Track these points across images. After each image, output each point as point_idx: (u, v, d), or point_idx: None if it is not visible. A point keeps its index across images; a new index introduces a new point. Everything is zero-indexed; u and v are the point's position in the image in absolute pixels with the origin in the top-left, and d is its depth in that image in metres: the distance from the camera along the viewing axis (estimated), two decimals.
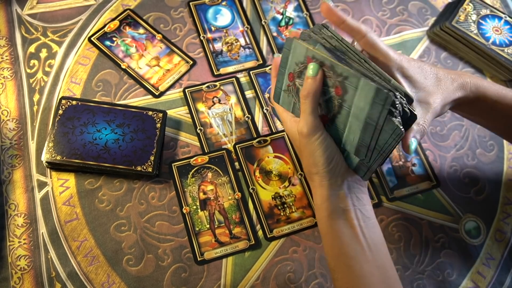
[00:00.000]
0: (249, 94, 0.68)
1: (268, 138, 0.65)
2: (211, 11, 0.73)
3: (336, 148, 0.49)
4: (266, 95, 0.68)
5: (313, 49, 0.46)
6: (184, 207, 0.60)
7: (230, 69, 0.69)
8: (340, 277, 0.47)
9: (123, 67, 0.66)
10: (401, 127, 0.42)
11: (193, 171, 0.62)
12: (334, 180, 0.49)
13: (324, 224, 0.49)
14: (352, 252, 0.47)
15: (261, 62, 0.70)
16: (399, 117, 0.43)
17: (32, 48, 0.66)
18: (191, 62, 0.68)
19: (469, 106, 0.53)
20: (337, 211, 0.48)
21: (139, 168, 0.58)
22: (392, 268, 0.48)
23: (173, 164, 0.62)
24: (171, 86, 0.67)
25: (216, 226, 0.59)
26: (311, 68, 0.46)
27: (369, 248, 0.47)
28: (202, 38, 0.70)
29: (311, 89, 0.46)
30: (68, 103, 0.61)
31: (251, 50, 0.71)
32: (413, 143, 0.46)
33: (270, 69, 0.69)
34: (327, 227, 0.49)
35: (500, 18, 0.73)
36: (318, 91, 0.47)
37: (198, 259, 0.57)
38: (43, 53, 0.66)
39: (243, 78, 0.69)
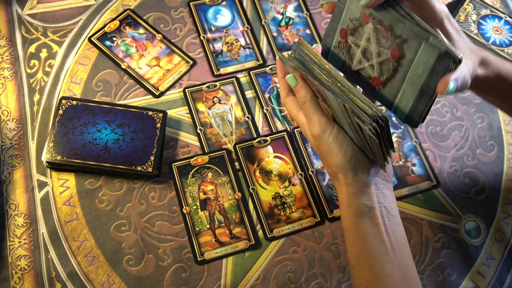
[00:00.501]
0: (249, 94, 0.68)
1: (268, 138, 0.65)
2: (211, 11, 0.73)
3: (353, 143, 0.48)
4: (266, 95, 0.68)
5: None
6: (184, 207, 0.60)
7: (230, 69, 0.69)
8: (360, 275, 0.47)
9: (123, 67, 0.66)
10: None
11: (193, 171, 0.62)
12: (359, 177, 0.48)
13: (348, 221, 0.48)
14: (375, 251, 0.46)
15: (261, 62, 0.70)
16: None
17: (32, 48, 0.66)
18: (191, 62, 0.68)
19: (488, 86, 0.51)
20: (362, 209, 0.47)
21: (139, 168, 0.58)
22: (414, 269, 0.47)
23: (173, 164, 0.62)
24: (171, 86, 0.67)
25: (216, 226, 0.59)
26: (290, 80, 0.48)
27: (392, 247, 0.46)
28: (202, 38, 0.70)
29: (303, 95, 0.48)
30: (68, 103, 0.61)
31: (251, 50, 0.71)
32: (451, 85, 0.42)
33: (270, 69, 0.69)
34: (351, 224, 0.48)
35: (500, 18, 0.73)
36: (310, 93, 0.48)
37: (198, 259, 0.57)
38: (43, 53, 0.66)
39: (243, 78, 0.69)
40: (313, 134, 0.48)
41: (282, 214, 0.61)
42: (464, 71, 0.42)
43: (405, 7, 0.43)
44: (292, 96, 0.53)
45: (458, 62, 0.40)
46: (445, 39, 0.41)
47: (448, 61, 0.40)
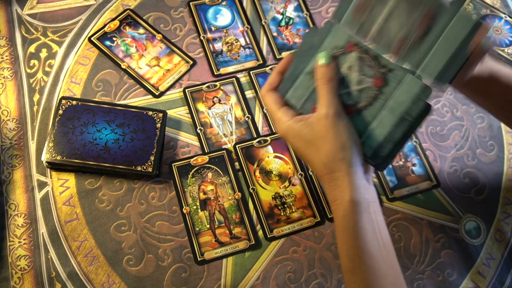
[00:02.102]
0: (249, 94, 0.68)
1: (268, 138, 0.65)
2: (211, 11, 0.73)
3: (356, 133, 0.47)
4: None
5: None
6: (184, 207, 0.60)
7: (230, 69, 0.69)
8: (360, 279, 0.44)
9: (123, 67, 0.66)
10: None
11: (193, 171, 0.62)
12: (360, 168, 0.46)
13: (348, 221, 0.45)
14: (373, 251, 0.44)
15: (261, 62, 0.70)
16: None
17: (32, 48, 0.66)
18: (191, 62, 0.68)
19: (480, 85, 0.50)
20: (363, 204, 0.45)
21: (139, 168, 0.58)
22: (399, 268, 0.46)
23: (173, 164, 0.62)
24: (171, 86, 0.67)
25: (216, 226, 0.59)
26: (324, 57, 0.47)
27: (384, 246, 0.45)
28: (202, 38, 0.70)
29: (332, 74, 0.47)
30: (68, 103, 0.61)
31: (251, 50, 0.71)
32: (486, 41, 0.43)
33: (270, 69, 0.69)
34: (352, 223, 0.45)
35: (500, 18, 0.73)
36: (337, 77, 0.47)
37: (198, 259, 0.57)
38: (43, 53, 0.66)
39: (243, 78, 0.69)
40: (326, 113, 0.46)
41: (282, 214, 0.61)
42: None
43: None
44: (273, 92, 0.52)
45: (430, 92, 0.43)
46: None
47: (430, 91, 0.42)
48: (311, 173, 0.63)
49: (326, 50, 0.48)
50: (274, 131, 0.65)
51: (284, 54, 0.71)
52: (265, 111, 0.67)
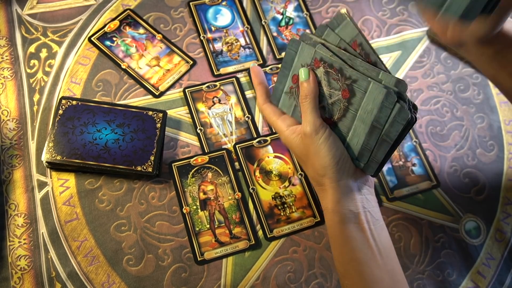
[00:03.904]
0: (249, 94, 0.68)
1: (268, 138, 0.65)
2: (211, 11, 0.73)
3: (343, 147, 0.48)
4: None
5: (321, 51, 0.47)
6: (184, 207, 0.60)
7: (230, 69, 0.69)
8: (351, 284, 0.46)
9: (123, 67, 0.66)
10: (412, 115, 0.43)
11: (193, 171, 0.62)
12: (344, 182, 0.48)
13: (334, 229, 0.48)
14: (363, 257, 0.46)
15: (261, 62, 0.70)
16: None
17: (32, 48, 0.66)
18: (191, 62, 0.68)
19: (503, 47, 0.48)
20: (348, 215, 0.47)
21: (139, 168, 0.58)
22: (401, 272, 0.47)
23: (173, 164, 0.62)
24: (171, 86, 0.67)
25: (216, 226, 0.59)
26: (302, 73, 0.48)
27: (379, 252, 0.46)
28: (202, 38, 0.70)
29: (308, 90, 0.48)
30: (68, 103, 0.61)
31: (251, 50, 0.71)
32: None
33: (270, 69, 0.69)
34: (337, 232, 0.47)
35: None
36: (315, 91, 0.48)
37: (198, 259, 0.57)
38: (43, 53, 0.66)
39: (243, 78, 0.69)
40: (305, 131, 0.48)
41: (282, 214, 0.61)
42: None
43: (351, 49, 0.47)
44: (270, 103, 0.54)
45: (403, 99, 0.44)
46: (391, 76, 0.44)
47: (394, 97, 0.43)
48: None
49: (300, 67, 0.50)
50: (274, 130, 0.65)
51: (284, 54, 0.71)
52: None
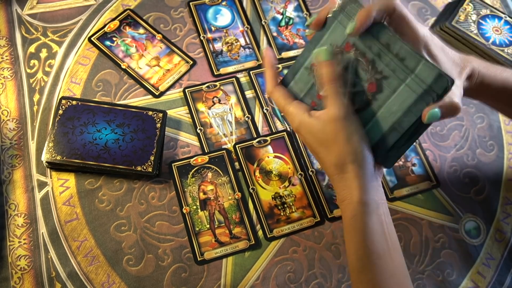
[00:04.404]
0: (249, 94, 0.68)
1: (268, 138, 0.65)
2: (211, 11, 0.73)
3: (365, 134, 0.46)
4: (266, 95, 0.68)
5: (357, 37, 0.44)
6: (184, 207, 0.60)
7: (230, 69, 0.69)
8: (368, 279, 0.44)
9: (123, 67, 0.66)
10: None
11: (193, 171, 0.62)
12: (370, 170, 0.46)
13: (356, 221, 0.45)
14: (381, 251, 0.44)
15: (261, 62, 0.70)
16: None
17: (32, 48, 0.66)
18: (191, 62, 0.68)
19: (471, 93, 0.51)
20: (372, 205, 0.45)
21: (139, 168, 0.58)
22: (406, 268, 0.47)
23: (173, 164, 0.62)
24: (171, 86, 0.67)
25: (216, 226, 0.59)
26: (322, 53, 0.46)
27: (393, 246, 0.45)
28: (202, 38, 0.70)
29: (337, 71, 0.46)
30: (68, 103, 0.61)
31: (251, 50, 0.71)
32: (434, 111, 0.41)
33: None
34: (361, 224, 0.45)
35: (500, 18, 0.73)
36: (341, 73, 0.46)
37: (198, 259, 0.57)
38: (43, 53, 0.66)
39: (243, 78, 0.69)
40: (336, 115, 0.45)
41: (282, 214, 0.61)
42: (450, 98, 0.42)
43: (392, 32, 0.43)
44: (280, 86, 0.51)
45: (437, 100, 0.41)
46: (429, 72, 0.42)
47: (424, 105, 0.41)
48: (311, 173, 0.63)
49: (325, 46, 0.47)
50: (274, 130, 0.65)
51: (284, 54, 0.71)
52: (265, 111, 0.67)
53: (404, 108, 0.43)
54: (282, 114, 0.66)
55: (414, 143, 0.67)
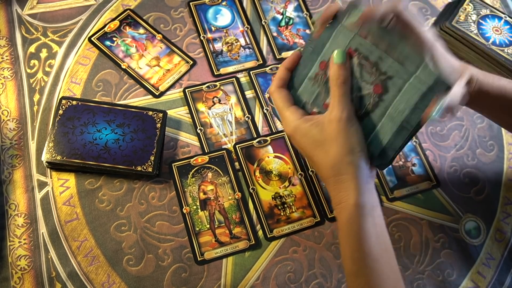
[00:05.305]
0: (249, 94, 0.68)
1: (268, 138, 0.65)
2: (211, 11, 0.73)
3: (364, 140, 0.47)
4: (266, 95, 0.68)
5: (358, 40, 0.45)
6: (184, 207, 0.60)
7: (230, 69, 0.69)
8: (364, 282, 0.44)
9: (123, 67, 0.66)
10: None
11: (193, 171, 0.62)
12: (366, 172, 0.46)
13: (352, 224, 0.45)
14: (377, 254, 0.45)
15: (261, 62, 0.70)
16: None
17: (32, 48, 0.66)
18: (191, 62, 0.68)
19: (469, 101, 0.51)
20: (368, 208, 0.46)
21: (139, 168, 0.58)
22: (399, 270, 0.47)
23: (173, 164, 0.62)
24: (171, 86, 0.67)
25: (216, 226, 0.59)
26: (339, 55, 0.46)
27: (386, 249, 0.46)
28: (202, 38, 0.70)
29: (347, 75, 0.46)
30: (68, 103, 0.61)
31: (251, 50, 0.71)
32: (436, 108, 0.42)
33: (270, 69, 0.69)
34: (357, 227, 0.45)
35: (500, 18, 0.73)
36: (349, 78, 0.47)
37: (198, 259, 0.57)
38: (43, 53, 0.66)
39: (243, 78, 0.69)
40: (340, 117, 0.45)
41: (282, 214, 0.61)
42: (451, 96, 0.43)
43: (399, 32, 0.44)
44: (282, 89, 0.51)
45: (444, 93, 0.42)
46: (433, 72, 0.42)
47: (429, 100, 0.41)
48: (311, 173, 0.63)
49: (329, 55, 0.47)
50: (274, 130, 0.65)
51: (285, 54, 0.71)
52: (265, 111, 0.67)
53: (411, 105, 0.43)
54: None
55: (414, 143, 0.67)
